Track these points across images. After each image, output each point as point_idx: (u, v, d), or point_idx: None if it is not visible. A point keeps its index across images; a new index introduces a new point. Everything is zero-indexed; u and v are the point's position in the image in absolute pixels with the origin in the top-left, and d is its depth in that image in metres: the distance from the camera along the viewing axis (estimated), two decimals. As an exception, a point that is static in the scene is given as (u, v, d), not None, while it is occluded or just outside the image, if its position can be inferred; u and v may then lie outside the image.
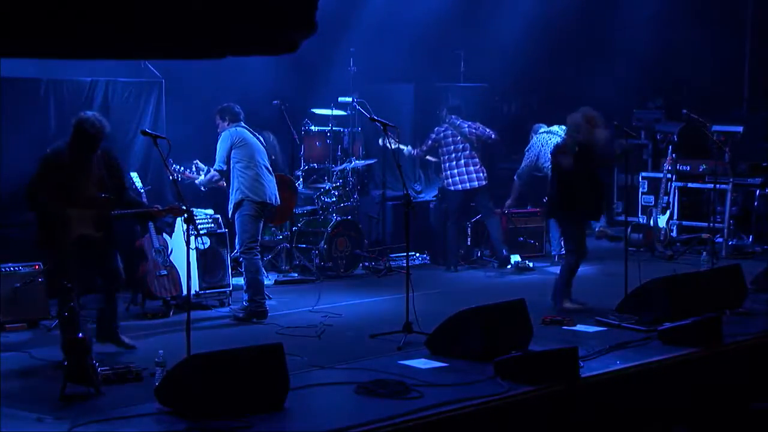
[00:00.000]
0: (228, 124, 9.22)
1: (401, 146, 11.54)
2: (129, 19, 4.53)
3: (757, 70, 15.83)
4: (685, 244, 12.70)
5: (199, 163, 9.65)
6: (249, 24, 4.77)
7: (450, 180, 11.45)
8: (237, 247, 9.13)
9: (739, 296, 9.12)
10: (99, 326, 7.45)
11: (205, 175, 9.57)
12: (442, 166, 11.54)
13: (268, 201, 9.10)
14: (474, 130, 11.51)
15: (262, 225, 9.31)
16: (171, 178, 7.46)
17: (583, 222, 9.55)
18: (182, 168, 9.52)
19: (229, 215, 9.17)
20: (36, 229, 7.36)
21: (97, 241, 7.28)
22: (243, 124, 9.24)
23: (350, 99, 11.87)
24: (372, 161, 12.12)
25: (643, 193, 13.54)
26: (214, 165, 9.21)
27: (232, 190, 9.07)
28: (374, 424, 5.86)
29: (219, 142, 9.17)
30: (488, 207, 11.67)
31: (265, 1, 4.78)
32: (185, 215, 6.98)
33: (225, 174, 9.15)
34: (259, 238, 9.25)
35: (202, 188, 9.59)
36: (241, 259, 9.18)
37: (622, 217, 10.54)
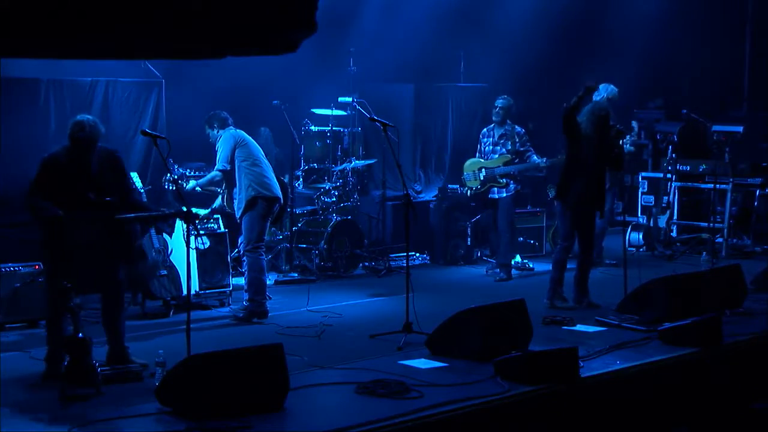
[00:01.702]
0: (218, 131, 9.17)
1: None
2: (129, 19, 4.54)
3: (757, 70, 15.84)
4: (685, 244, 12.70)
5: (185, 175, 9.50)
6: (249, 24, 4.77)
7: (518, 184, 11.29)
8: (242, 245, 9.10)
9: (739, 296, 9.13)
10: (110, 347, 7.14)
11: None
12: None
13: (276, 195, 9.09)
14: None
15: (267, 224, 9.29)
16: (171, 179, 7.44)
17: (576, 214, 9.31)
18: (178, 169, 9.45)
19: (238, 215, 9.07)
20: (39, 230, 7.31)
21: (96, 244, 7.18)
22: (234, 128, 9.21)
23: (350, 99, 11.86)
24: (372, 161, 12.10)
25: (643, 193, 13.53)
26: (215, 167, 9.12)
27: (241, 188, 8.96)
28: (374, 424, 5.85)
29: (220, 143, 9.08)
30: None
31: (265, 2, 4.78)
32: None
33: (228, 174, 9.11)
34: (266, 237, 9.21)
35: (198, 188, 9.46)
36: (244, 258, 9.13)
37: (622, 217, 10.51)
